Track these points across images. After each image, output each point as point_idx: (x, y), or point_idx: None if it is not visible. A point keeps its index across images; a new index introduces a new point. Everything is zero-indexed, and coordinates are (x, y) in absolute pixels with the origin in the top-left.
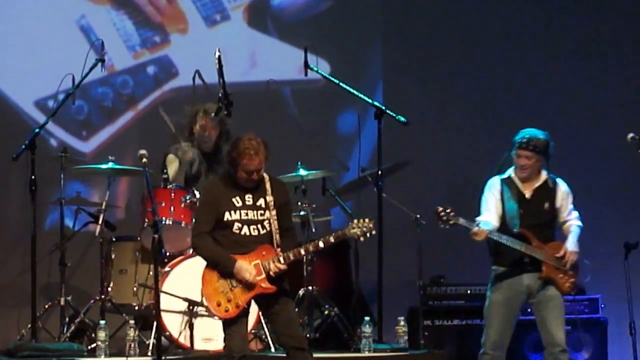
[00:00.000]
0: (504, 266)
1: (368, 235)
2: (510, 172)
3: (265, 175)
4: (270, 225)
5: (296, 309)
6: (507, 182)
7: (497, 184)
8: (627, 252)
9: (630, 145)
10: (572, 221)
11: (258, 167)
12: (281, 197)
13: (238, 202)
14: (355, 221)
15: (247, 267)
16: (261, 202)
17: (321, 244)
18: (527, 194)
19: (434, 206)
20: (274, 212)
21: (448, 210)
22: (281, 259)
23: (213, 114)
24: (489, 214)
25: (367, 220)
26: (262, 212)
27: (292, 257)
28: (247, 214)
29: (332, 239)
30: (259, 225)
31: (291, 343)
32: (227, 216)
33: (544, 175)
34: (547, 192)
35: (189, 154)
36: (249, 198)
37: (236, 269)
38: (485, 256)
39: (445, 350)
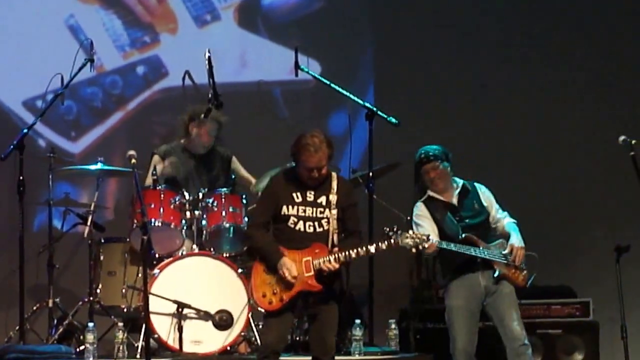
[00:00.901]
0: (457, 273)
1: (420, 247)
2: (428, 192)
3: (333, 174)
4: (329, 224)
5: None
6: (430, 200)
7: (422, 206)
8: (618, 255)
9: (621, 147)
10: (506, 219)
11: (318, 165)
12: (346, 198)
13: (298, 198)
14: (411, 232)
15: (288, 264)
16: (322, 199)
17: (372, 249)
18: (454, 201)
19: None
20: (334, 212)
21: (395, 229)
22: (331, 258)
23: (202, 115)
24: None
25: (422, 233)
26: (322, 210)
27: (342, 259)
28: (304, 211)
29: (383, 246)
30: (316, 223)
31: (317, 353)
32: (284, 210)
33: (459, 181)
34: (469, 193)
35: (176, 158)
36: (310, 195)
37: (279, 264)
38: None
39: (436, 352)
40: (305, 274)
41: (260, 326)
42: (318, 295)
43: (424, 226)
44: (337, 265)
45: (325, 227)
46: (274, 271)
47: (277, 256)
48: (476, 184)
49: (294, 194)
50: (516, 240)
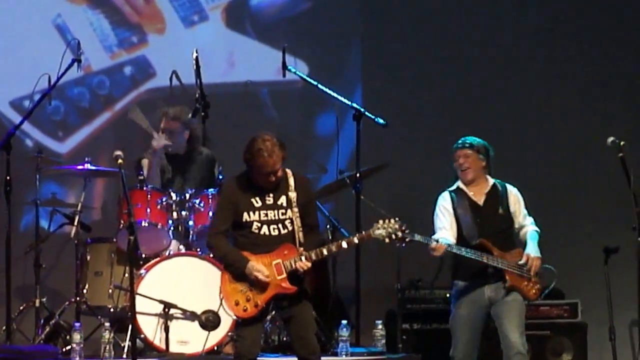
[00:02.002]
0: (465, 280)
1: (393, 237)
2: (458, 183)
3: (287, 171)
4: (292, 224)
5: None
6: (457, 193)
7: (447, 197)
8: (606, 256)
9: (609, 149)
10: (529, 227)
11: (273, 169)
12: (305, 195)
13: (257, 203)
14: (381, 222)
15: (258, 267)
16: (282, 200)
17: (344, 245)
18: (480, 201)
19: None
20: (296, 210)
21: (403, 227)
22: (303, 258)
23: (189, 115)
24: (444, 232)
25: (392, 221)
26: (284, 211)
27: (314, 257)
28: (266, 215)
29: (355, 240)
30: (280, 225)
31: (301, 351)
32: (245, 217)
33: (490, 180)
34: (498, 196)
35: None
36: (269, 198)
37: (248, 269)
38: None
39: (423, 354)
40: (277, 277)
41: None
42: (291, 297)
43: (443, 221)
44: (309, 264)
45: (290, 228)
46: (242, 278)
47: (243, 263)
48: (508, 187)
49: (253, 200)
50: (532, 250)
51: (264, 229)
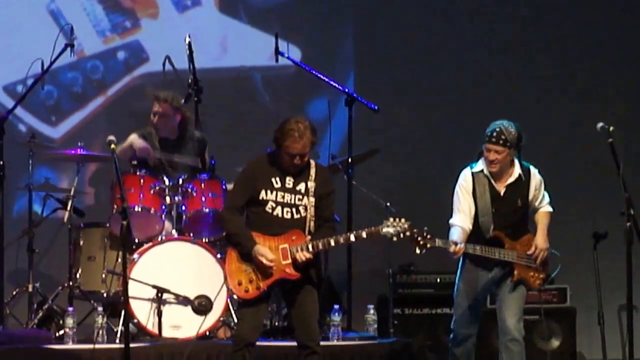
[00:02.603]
0: (473, 262)
1: (402, 236)
2: (482, 165)
3: (312, 161)
4: (306, 212)
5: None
6: (480, 177)
7: (469, 177)
8: (596, 242)
9: (598, 134)
10: (543, 209)
11: (301, 152)
12: (324, 187)
13: (277, 183)
14: (391, 220)
15: (264, 252)
16: (301, 187)
17: (352, 238)
18: (501, 191)
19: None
20: (312, 200)
21: (425, 233)
22: (310, 246)
23: (182, 101)
24: (462, 215)
25: (402, 220)
26: (301, 197)
27: (320, 247)
28: (283, 197)
29: (364, 235)
30: (294, 209)
31: (302, 339)
32: (262, 195)
33: (516, 168)
34: (521, 187)
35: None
36: (289, 181)
37: (254, 252)
38: None
39: (414, 338)
40: (282, 262)
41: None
42: (296, 282)
43: (462, 203)
44: (311, 256)
45: (303, 214)
46: (248, 259)
47: (250, 244)
48: (532, 173)
49: (273, 179)
50: (540, 240)
51: (278, 210)
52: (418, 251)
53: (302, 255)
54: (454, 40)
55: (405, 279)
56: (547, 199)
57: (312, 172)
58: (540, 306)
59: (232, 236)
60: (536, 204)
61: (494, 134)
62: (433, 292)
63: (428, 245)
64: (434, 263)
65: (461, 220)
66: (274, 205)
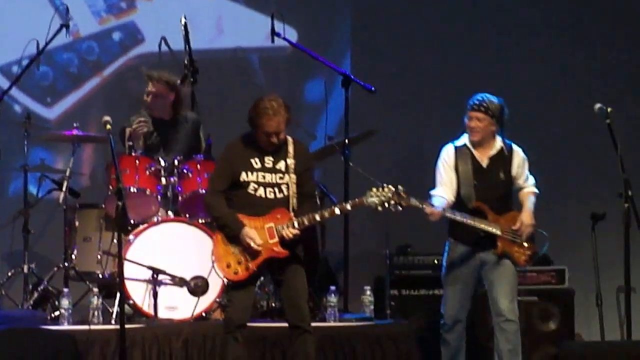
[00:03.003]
0: (458, 239)
1: (386, 205)
2: (465, 139)
3: (289, 138)
4: (288, 190)
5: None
6: (462, 151)
7: (451, 152)
8: (594, 223)
9: (597, 114)
10: (528, 189)
11: (277, 129)
12: (304, 163)
13: (257, 164)
14: (374, 189)
15: (252, 234)
16: (281, 165)
17: (337, 211)
18: (483, 163)
19: (393, 183)
20: (293, 176)
21: (400, 191)
22: (295, 223)
23: (179, 81)
24: (444, 187)
25: (386, 189)
26: (282, 175)
27: (306, 223)
28: (264, 177)
29: (348, 207)
30: (276, 189)
31: (292, 320)
32: (243, 176)
33: (499, 142)
34: (503, 160)
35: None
36: (269, 160)
37: (242, 234)
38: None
39: (411, 319)
40: (269, 241)
41: None
42: (283, 261)
43: (444, 176)
44: (298, 232)
45: (285, 193)
46: (236, 241)
47: (237, 226)
48: (515, 149)
49: (252, 160)
50: (526, 216)
51: (260, 191)
52: (394, 209)
53: (289, 232)
54: (452, 20)
55: (402, 260)
56: (532, 180)
57: (291, 149)
58: (538, 287)
59: (218, 219)
60: (520, 182)
61: (476, 101)
62: (430, 274)
63: (403, 204)
64: (431, 244)
65: (443, 191)
66: (256, 186)
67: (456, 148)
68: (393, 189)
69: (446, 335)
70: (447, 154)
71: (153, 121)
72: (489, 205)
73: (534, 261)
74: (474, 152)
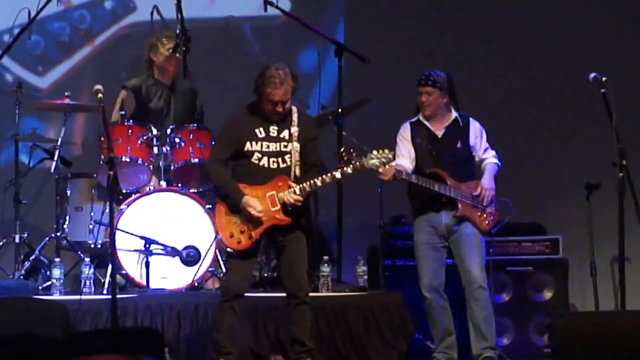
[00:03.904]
0: (421, 209)
1: (387, 167)
2: (419, 115)
3: (293, 107)
4: (291, 158)
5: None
6: (417, 124)
7: (407, 127)
8: (588, 192)
9: (590, 85)
10: (489, 159)
11: (283, 98)
12: (308, 132)
13: (261, 133)
14: (375, 152)
15: (252, 202)
16: (285, 134)
17: (338, 175)
18: (439, 134)
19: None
20: (297, 145)
21: (351, 151)
22: (297, 189)
23: (171, 51)
24: (402, 159)
25: (386, 151)
26: (285, 143)
27: (308, 189)
28: (268, 146)
29: (349, 170)
30: (280, 159)
31: (290, 288)
32: (247, 146)
33: (453, 114)
34: (459, 130)
35: (149, 90)
36: (273, 130)
37: (242, 203)
38: None
39: (404, 290)
40: (271, 209)
41: None
42: (285, 228)
43: (402, 149)
44: (301, 198)
45: (288, 162)
46: (237, 210)
47: (238, 196)
48: (471, 120)
49: (257, 130)
50: (486, 181)
51: (264, 161)
52: (344, 168)
53: (291, 197)
54: None
55: (396, 230)
56: (493, 152)
57: (295, 117)
58: (532, 257)
59: (220, 188)
60: (480, 153)
61: (423, 77)
62: None
63: (353, 162)
64: None
65: (401, 162)
66: (259, 155)
67: (411, 123)
68: (393, 152)
69: (427, 306)
70: (404, 129)
71: (159, 85)
72: (448, 172)
73: (498, 228)
74: (428, 124)
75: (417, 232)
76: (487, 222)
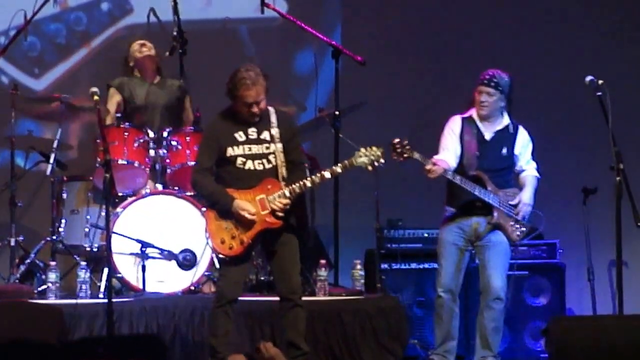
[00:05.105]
0: (455, 208)
1: (376, 164)
2: (472, 111)
3: (270, 108)
4: (275, 159)
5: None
6: (468, 122)
7: (458, 122)
8: (585, 197)
9: (588, 88)
10: (530, 171)
11: (257, 99)
12: (288, 131)
13: (241, 137)
14: (363, 150)
15: (244, 205)
16: (265, 135)
17: (327, 175)
18: (487, 136)
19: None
20: (279, 145)
21: (404, 143)
22: (286, 192)
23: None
24: (447, 153)
25: (374, 148)
26: (267, 145)
27: (297, 190)
28: (250, 149)
29: (338, 169)
30: (264, 160)
31: (283, 292)
32: (229, 152)
33: (506, 119)
34: (507, 137)
35: (133, 87)
36: (252, 132)
37: (234, 208)
38: (443, 199)
39: (402, 293)
40: (262, 212)
41: None
42: (276, 231)
43: (449, 143)
44: (288, 201)
45: (274, 163)
46: (227, 216)
47: (228, 200)
48: (520, 129)
49: (236, 134)
50: (526, 195)
51: (249, 164)
52: (395, 158)
53: (280, 202)
54: None
55: (393, 233)
56: (534, 164)
57: (273, 118)
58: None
59: (208, 196)
60: (522, 163)
61: (487, 76)
62: (421, 247)
63: (405, 155)
64: (422, 218)
65: (445, 156)
66: (243, 159)
67: (463, 119)
68: (382, 149)
69: (438, 306)
70: (454, 122)
71: (142, 83)
72: (490, 176)
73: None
74: (480, 125)
75: (445, 231)
76: (518, 233)
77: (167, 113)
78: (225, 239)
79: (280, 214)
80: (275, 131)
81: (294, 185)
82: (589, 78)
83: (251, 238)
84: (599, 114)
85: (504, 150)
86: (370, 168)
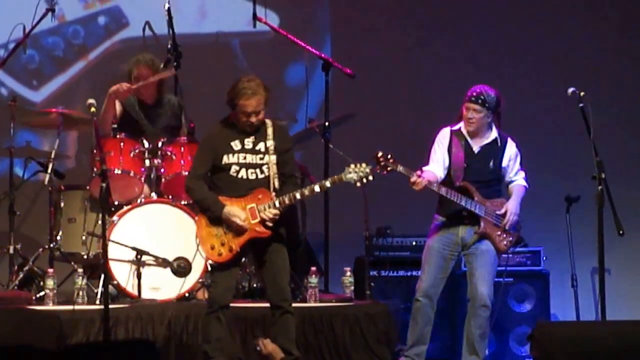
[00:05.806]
0: (444, 217)
1: (364, 180)
2: (461, 124)
3: (267, 120)
4: (269, 170)
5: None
6: (457, 134)
7: (447, 134)
8: (568, 205)
9: (571, 99)
10: (518, 181)
11: (256, 109)
12: (283, 144)
13: (237, 146)
14: (352, 166)
15: (235, 212)
16: (261, 146)
17: (317, 189)
18: (475, 149)
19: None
20: (273, 157)
21: (388, 156)
22: (276, 202)
23: (162, 65)
24: (435, 165)
25: (364, 165)
26: (262, 156)
27: (287, 202)
28: (245, 158)
29: (327, 184)
30: (258, 170)
31: (273, 300)
32: (225, 159)
33: (494, 132)
34: (495, 150)
35: (129, 105)
36: (248, 142)
37: (224, 214)
38: (431, 208)
39: (390, 300)
40: (252, 221)
41: None
42: (265, 240)
43: (437, 154)
44: (278, 212)
45: (266, 173)
46: (218, 223)
47: (219, 207)
48: (509, 142)
49: (233, 143)
50: (513, 205)
51: (242, 173)
52: (379, 171)
53: (269, 213)
54: (431, 4)
55: (382, 241)
56: (523, 174)
57: (270, 130)
58: (514, 269)
59: (200, 202)
60: (511, 174)
61: (474, 94)
62: (409, 255)
63: (389, 168)
64: (410, 226)
65: (433, 167)
66: (237, 168)
67: (452, 131)
68: (370, 167)
69: (415, 309)
70: (443, 135)
71: (138, 103)
72: (476, 187)
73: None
74: (468, 138)
75: (432, 238)
76: (505, 242)
77: (166, 133)
78: (215, 245)
79: (270, 224)
80: (270, 143)
81: (284, 197)
82: (571, 89)
83: (240, 246)
84: (581, 123)
85: (491, 163)
86: (358, 184)
